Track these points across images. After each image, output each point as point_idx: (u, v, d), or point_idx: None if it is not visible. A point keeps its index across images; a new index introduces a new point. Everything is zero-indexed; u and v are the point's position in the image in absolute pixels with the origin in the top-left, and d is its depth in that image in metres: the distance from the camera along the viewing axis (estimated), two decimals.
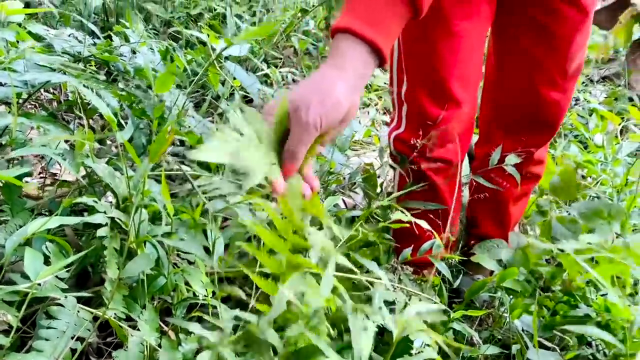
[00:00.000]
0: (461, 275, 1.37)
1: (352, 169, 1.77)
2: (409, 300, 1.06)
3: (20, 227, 0.94)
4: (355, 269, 0.90)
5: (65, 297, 0.76)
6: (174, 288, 0.97)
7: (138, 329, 0.83)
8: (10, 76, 0.94)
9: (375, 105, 2.53)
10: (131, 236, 0.80)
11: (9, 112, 1.32)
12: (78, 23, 2.14)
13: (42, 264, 0.71)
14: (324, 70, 0.79)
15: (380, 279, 0.99)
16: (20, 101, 1.18)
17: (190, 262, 1.12)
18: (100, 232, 0.82)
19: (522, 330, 1.23)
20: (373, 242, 1.22)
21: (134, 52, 1.22)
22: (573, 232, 1.41)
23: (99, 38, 1.68)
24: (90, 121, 1.30)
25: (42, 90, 1.29)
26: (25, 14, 1.38)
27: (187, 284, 0.97)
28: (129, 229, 0.81)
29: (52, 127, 0.93)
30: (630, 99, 3.00)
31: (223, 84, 1.70)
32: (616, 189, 1.81)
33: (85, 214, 1.05)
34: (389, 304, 0.99)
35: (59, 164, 1.41)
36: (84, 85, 0.98)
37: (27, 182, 1.40)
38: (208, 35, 1.16)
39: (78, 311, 0.76)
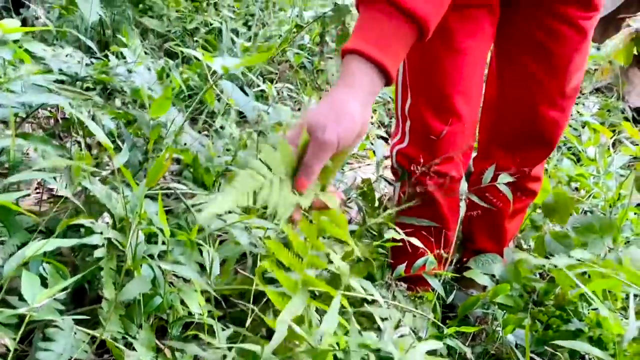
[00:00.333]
0: (455, 290, 1.38)
1: (347, 184, 1.78)
2: (403, 316, 1.07)
3: (18, 246, 0.95)
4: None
5: (62, 319, 0.77)
6: (169, 306, 0.97)
7: (134, 349, 0.84)
8: (8, 97, 0.96)
9: (371, 118, 2.54)
10: (129, 258, 0.81)
11: (5, 129, 1.34)
12: (75, 37, 2.16)
13: (39, 287, 0.72)
14: (336, 91, 0.84)
15: (373, 295, 1.00)
16: (18, 120, 1.20)
17: (185, 280, 1.13)
18: (97, 253, 0.83)
19: (516, 344, 1.25)
20: (367, 258, 1.23)
21: (130, 71, 1.24)
22: (566, 247, 1.42)
23: (95, 53, 1.69)
24: (87, 139, 1.31)
25: (39, 108, 1.30)
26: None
27: (182, 302, 0.98)
28: (126, 250, 0.82)
29: (50, 149, 0.95)
30: (622, 111, 3.03)
31: (219, 99, 1.71)
32: (609, 203, 1.83)
33: (82, 231, 1.07)
34: (383, 320, 1.01)
35: (55, 181, 1.42)
36: (79, 106, 1.00)
37: (23, 196, 1.40)
38: (203, 54, 1.18)
39: (75, 332, 0.77)
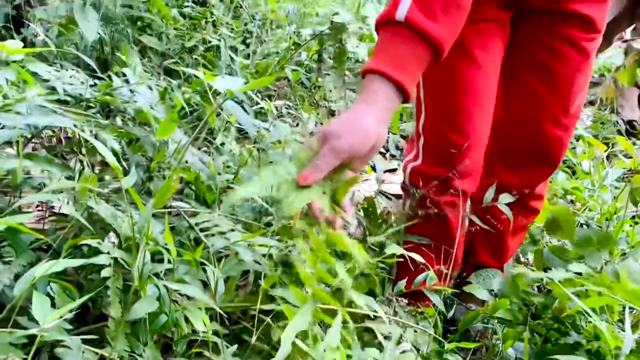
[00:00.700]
0: (455, 305, 1.39)
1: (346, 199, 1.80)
2: (404, 332, 1.09)
3: (24, 266, 0.96)
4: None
5: (71, 338, 0.78)
6: (174, 324, 0.98)
7: None
8: (15, 119, 0.97)
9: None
10: (136, 278, 0.82)
11: (6, 148, 1.35)
12: (74, 55, 2.18)
13: (49, 307, 0.73)
14: (355, 106, 0.92)
15: (376, 311, 1.02)
16: (24, 140, 1.21)
17: (189, 298, 1.14)
18: (104, 272, 0.85)
19: (515, 358, 1.26)
20: (368, 274, 1.25)
21: (132, 91, 1.26)
22: (564, 261, 1.44)
23: (96, 72, 1.71)
24: (90, 158, 1.33)
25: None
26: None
27: (186, 319, 0.99)
28: (133, 269, 0.84)
29: (55, 169, 0.96)
30: (616, 124, 3.07)
31: (218, 115, 1.73)
32: (604, 216, 1.85)
33: (85, 248, 1.08)
34: (385, 337, 1.02)
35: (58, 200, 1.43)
36: (82, 126, 1.02)
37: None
38: (204, 72, 1.20)
39: (83, 351, 0.78)
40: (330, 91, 2.16)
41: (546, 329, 1.22)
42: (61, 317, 0.71)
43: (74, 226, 1.16)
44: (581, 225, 1.91)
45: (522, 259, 1.76)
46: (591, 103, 3.46)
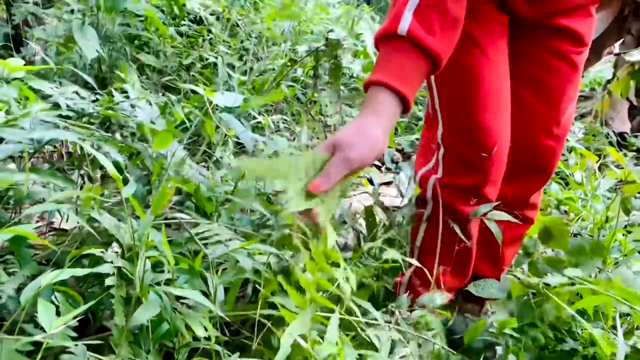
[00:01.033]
0: (454, 314, 1.40)
1: (341, 210, 1.82)
2: (408, 343, 1.10)
3: (28, 277, 0.98)
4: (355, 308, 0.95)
5: (76, 345, 0.79)
6: (176, 333, 1.00)
7: None
8: (20, 134, 1.00)
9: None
10: (137, 286, 0.84)
11: (8, 162, 1.37)
12: (72, 72, 2.21)
13: (54, 315, 0.75)
14: (364, 117, 0.95)
15: (375, 318, 1.03)
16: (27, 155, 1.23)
17: (189, 306, 1.15)
18: (108, 281, 0.87)
19: None
20: (368, 284, 1.26)
21: (133, 106, 1.29)
22: (559, 271, 1.46)
23: (95, 89, 1.74)
24: (92, 172, 1.35)
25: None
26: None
27: (187, 326, 1.01)
28: (135, 278, 0.86)
29: (59, 182, 0.99)
30: (607, 136, 3.11)
31: (216, 128, 1.76)
32: (597, 225, 1.88)
33: (84, 260, 1.09)
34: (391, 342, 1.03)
35: (59, 214, 1.45)
36: (84, 141, 1.04)
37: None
38: (204, 89, 1.23)
39: (88, 358, 0.80)
40: (326, 106, 2.20)
41: (543, 336, 1.23)
42: (65, 323, 0.73)
43: (74, 239, 1.18)
44: (574, 235, 1.93)
45: (518, 270, 1.78)
46: (582, 116, 3.52)
